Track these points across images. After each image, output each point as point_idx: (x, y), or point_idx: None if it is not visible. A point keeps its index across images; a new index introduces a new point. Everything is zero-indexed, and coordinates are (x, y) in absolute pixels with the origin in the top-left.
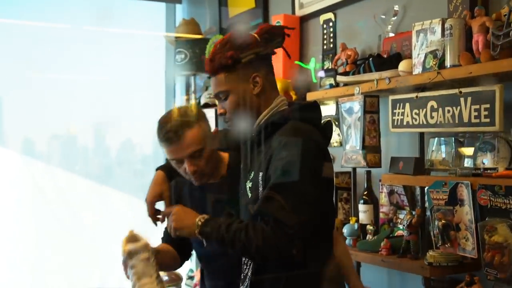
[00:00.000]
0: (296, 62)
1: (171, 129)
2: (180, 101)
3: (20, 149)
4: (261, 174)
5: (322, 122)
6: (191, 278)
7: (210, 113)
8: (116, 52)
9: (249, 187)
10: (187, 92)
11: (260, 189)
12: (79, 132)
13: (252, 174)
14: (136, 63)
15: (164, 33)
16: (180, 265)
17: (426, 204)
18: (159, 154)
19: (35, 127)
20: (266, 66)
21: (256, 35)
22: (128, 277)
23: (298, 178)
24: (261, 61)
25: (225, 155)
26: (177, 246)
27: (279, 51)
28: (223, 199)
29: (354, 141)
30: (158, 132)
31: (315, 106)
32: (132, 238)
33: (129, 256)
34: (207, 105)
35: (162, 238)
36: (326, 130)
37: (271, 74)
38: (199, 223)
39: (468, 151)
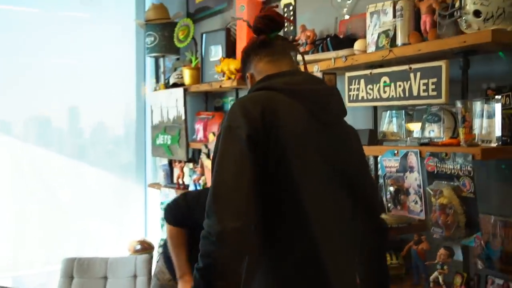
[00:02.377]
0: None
1: None
2: (150, 82)
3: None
4: None
5: (302, 88)
6: (162, 246)
7: (178, 93)
8: (88, 37)
9: None
10: (157, 73)
11: None
12: (54, 114)
13: None
14: (108, 47)
15: (134, 17)
16: None
17: (379, 172)
18: (130, 135)
19: (10, 109)
20: (256, 59)
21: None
22: None
23: (220, 159)
24: (250, 57)
25: None
26: None
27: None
28: None
29: None
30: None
31: (287, 73)
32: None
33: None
34: (175, 85)
35: None
36: (303, 95)
37: (262, 62)
38: None
39: (415, 125)
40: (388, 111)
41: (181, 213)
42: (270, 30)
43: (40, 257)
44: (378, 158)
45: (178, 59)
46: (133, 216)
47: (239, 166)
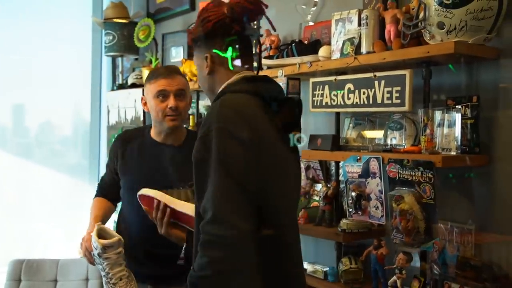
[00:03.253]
0: (214, 50)
1: (170, 67)
2: (106, 82)
3: None
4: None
5: (276, 96)
6: None
7: (137, 93)
8: (43, 33)
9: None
10: (114, 73)
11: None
12: (2, 112)
13: None
14: (63, 44)
15: (91, 15)
16: (115, 210)
17: (341, 177)
18: (80, 135)
19: None
20: (224, 45)
21: (225, 9)
22: (93, 264)
23: (216, 161)
24: (217, 40)
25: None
26: (110, 196)
27: None
28: (177, 163)
29: None
30: (156, 70)
31: (264, 78)
32: (102, 231)
33: (104, 249)
34: (134, 85)
35: (97, 192)
36: (280, 103)
37: (231, 52)
38: None
39: (378, 132)
40: (351, 118)
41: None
42: (248, 20)
43: None
44: (340, 164)
45: (136, 59)
46: (85, 218)
47: (243, 168)
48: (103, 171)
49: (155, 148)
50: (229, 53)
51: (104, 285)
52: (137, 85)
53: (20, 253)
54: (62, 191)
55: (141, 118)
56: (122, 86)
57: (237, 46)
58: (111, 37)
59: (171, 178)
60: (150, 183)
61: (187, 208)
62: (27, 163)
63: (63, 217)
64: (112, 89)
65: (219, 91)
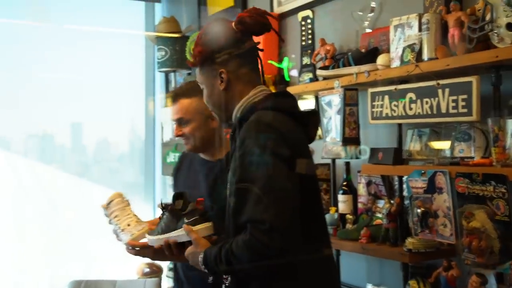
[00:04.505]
0: (269, 61)
1: (172, 94)
2: (159, 98)
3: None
4: (230, 172)
5: (302, 111)
6: (171, 269)
7: None
8: (96, 51)
9: (228, 186)
10: (167, 89)
11: (231, 185)
12: (58, 131)
13: (229, 172)
14: (116, 61)
15: (143, 31)
16: None
17: (404, 193)
18: (136, 152)
19: (14, 125)
20: (237, 59)
21: (233, 26)
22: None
23: (257, 172)
24: (230, 56)
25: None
26: None
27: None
28: (213, 179)
29: (335, 133)
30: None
31: (287, 94)
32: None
33: (107, 205)
34: None
35: None
36: (304, 118)
37: (246, 67)
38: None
39: (444, 144)
40: (414, 129)
41: None
42: (259, 33)
43: (45, 279)
44: (404, 178)
45: (189, 73)
46: None
47: (286, 183)
48: (158, 188)
49: (197, 163)
50: (284, 64)
51: (116, 238)
52: None
53: (79, 273)
54: None
55: None
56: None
57: (249, 59)
58: (163, 53)
59: (202, 194)
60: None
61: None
62: (85, 182)
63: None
64: (166, 105)
65: (242, 108)
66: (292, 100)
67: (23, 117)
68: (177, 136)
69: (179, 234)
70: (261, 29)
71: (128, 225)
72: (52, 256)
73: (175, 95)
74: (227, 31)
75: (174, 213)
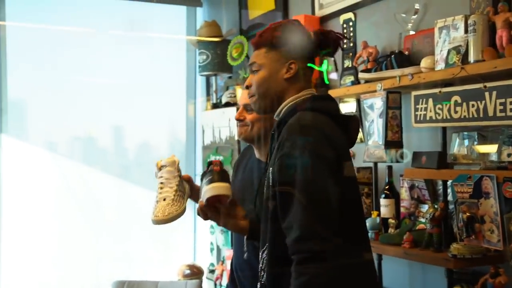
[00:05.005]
0: (308, 64)
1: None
2: (200, 101)
3: (46, 148)
4: (270, 169)
5: (343, 115)
6: (212, 271)
7: (231, 112)
8: (139, 56)
9: (265, 184)
10: (208, 92)
11: (270, 184)
12: (102, 134)
13: (269, 170)
14: (158, 65)
15: (185, 35)
16: None
17: (449, 198)
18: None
19: (60, 128)
20: (306, 60)
21: (311, 32)
22: None
23: (303, 179)
24: (303, 54)
25: None
26: None
27: None
28: (261, 180)
29: (377, 137)
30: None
31: (330, 97)
32: (168, 158)
33: (159, 168)
34: (228, 104)
35: None
36: (346, 122)
37: (309, 71)
38: None
39: (491, 147)
40: (459, 133)
41: None
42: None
43: (89, 279)
44: (448, 183)
45: (230, 77)
46: (181, 240)
47: (328, 185)
48: None
49: (253, 162)
50: (324, 67)
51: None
52: (231, 104)
53: (121, 274)
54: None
55: (236, 138)
56: (216, 106)
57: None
58: (204, 57)
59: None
60: (239, 199)
61: (213, 191)
62: (127, 184)
63: (161, 238)
64: (207, 109)
65: (289, 105)
66: (335, 103)
67: (69, 120)
68: (237, 119)
69: (202, 192)
70: (334, 50)
71: (164, 199)
72: (95, 256)
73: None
74: (307, 33)
75: (202, 177)
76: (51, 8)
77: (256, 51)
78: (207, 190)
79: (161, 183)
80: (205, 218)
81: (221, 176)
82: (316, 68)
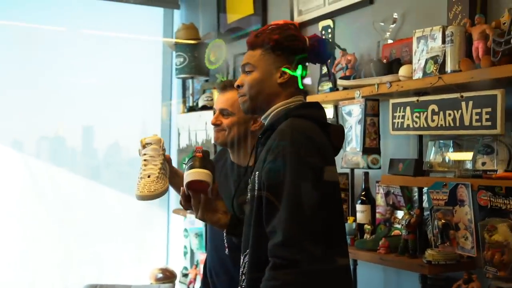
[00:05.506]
0: (283, 68)
1: (226, 83)
2: (176, 103)
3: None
4: (257, 173)
5: (331, 123)
6: (185, 275)
7: (208, 115)
8: (112, 56)
9: (249, 188)
10: (184, 95)
11: (256, 188)
12: (72, 133)
13: (252, 175)
14: (133, 66)
15: (162, 37)
16: None
17: (424, 205)
18: None
19: (29, 127)
20: (302, 66)
21: (307, 38)
22: None
23: (292, 185)
24: (298, 60)
25: None
26: None
27: None
28: (240, 184)
29: (355, 143)
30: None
31: (319, 105)
32: (152, 136)
33: (143, 146)
34: (205, 107)
35: None
36: (333, 131)
37: (302, 76)
38: None
39: (466, 155)
40: (435, 141)
41: None
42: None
43: (59, 283)
44: (424, 190)
45: (207, 80)
46: (154, 242)
47: (314, 193)
48: (173, 195)
49: (229, 166)
50: (298, 72)
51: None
52: (208, 107)
53: (92, 277)
54: (132, 213)
55: (212, 141)
56: (192, 109)
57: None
58: (182, 59)
59: (228, 199)
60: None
61: (192, 176)
62: (95, 185)
63: (132, 240)
64: (183, 112)
65: (278, 110)
66: (324, 111)
67: (38, 119)
68: (214, 124)
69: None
70: (327, 58)
71: (148, 176)
72: (65, 259)
73: (229, 85)
74: (304, 39)
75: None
76: (21, 5)
77: (250, 51)
78: (187, 175)
79: (145, 160)
80: (186, 206)
81: (203, 162)
82: (293, 74)
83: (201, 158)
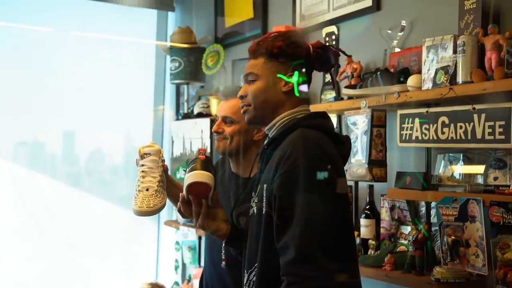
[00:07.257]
0: (279, 75)
1: (230, 90)
2: (169, 110)
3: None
4: (265, 185)
5: (338, 134)
6: None
7: (204, 123)
8: (102, 59)
9: (255, 202)
10: (178, 101)
11: (264, 201)
12: (56, 139)
13: (258, 187)
14: (124, 70)
15: (155, 40)
16: None
17: (433, 220)
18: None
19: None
20: (308, 74)
21: (311, 45)
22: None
23: (305, 198)
24: (302, 67)
25: None
26: None
27: None
28: (240, 196)
29: (360, 155)
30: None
31: (327, 115)
32: (150, 145)
33: (141, 156)
34: (200, 115)
35: None
36: (342, 141)
37: (306, 84)
38: None
39: (478, 169)
40: (445, 154)
41: None
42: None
43: None
44: (432, 205)
45: (202, 86)
46: (143, 255)
47: (328, 206)
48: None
49: (228, 176)
50: (294, 78)
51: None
52: (204, 115)
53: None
54: (117, 224)
55: (208, 150)
56: (187, 116)
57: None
58: (177, 64)
59: (228, 210)
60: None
61: (193, 177)
62: (76, 192)
63: (119, 253)
64: (177, 119)
65: (284, 120)
66: (331, 121)
67: (19, 124)
68: (215, 131)
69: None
70: (332, 65)
71: (147, 189)
72: (46, 272)
73: (232, 93)
74: (308, 46)
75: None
76: (11, 4)
77: (253, 60)
78: (188, 177)
79: (143, 171)
80: (184, 214)
81: (205, 164)
82: (287, 80)
83: (204, 160)
